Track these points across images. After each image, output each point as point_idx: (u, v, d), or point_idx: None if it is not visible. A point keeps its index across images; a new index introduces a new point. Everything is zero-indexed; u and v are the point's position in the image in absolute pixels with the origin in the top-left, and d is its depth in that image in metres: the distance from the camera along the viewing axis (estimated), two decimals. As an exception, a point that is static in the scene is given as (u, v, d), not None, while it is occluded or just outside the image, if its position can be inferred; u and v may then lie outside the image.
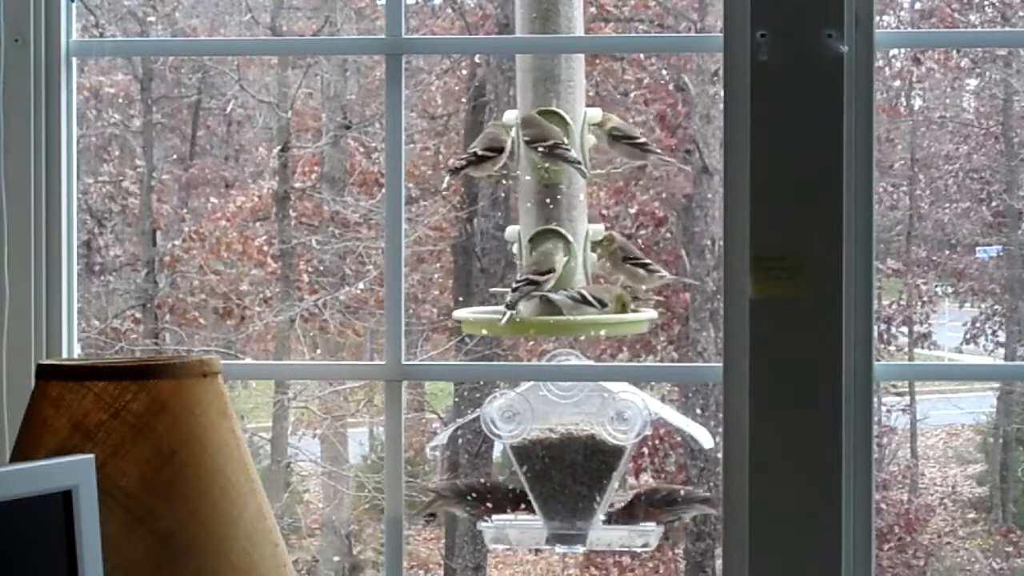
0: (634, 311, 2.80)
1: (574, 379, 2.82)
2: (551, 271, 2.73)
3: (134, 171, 9.38)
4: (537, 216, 2.79)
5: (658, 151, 3.05)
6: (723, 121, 2.32)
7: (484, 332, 3.02)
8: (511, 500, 2.84)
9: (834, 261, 2.25)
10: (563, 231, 2.77)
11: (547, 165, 2.77)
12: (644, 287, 2.93)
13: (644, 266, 2.88)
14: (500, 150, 2.80)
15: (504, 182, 2.86)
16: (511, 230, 2.84)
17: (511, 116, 2.82)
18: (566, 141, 2.76)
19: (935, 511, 9.71)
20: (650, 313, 2.88)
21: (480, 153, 2.82)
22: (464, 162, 2.86)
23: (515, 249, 2.82)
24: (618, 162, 2.95)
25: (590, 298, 2.74)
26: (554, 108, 2.78)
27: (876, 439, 4.20)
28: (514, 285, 2.73)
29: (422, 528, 9.83)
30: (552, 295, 2.73)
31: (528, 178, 2.79)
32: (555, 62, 2.77)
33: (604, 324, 2.79)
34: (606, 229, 2.86)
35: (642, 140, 2.91)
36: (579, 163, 2.76)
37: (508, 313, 2.72)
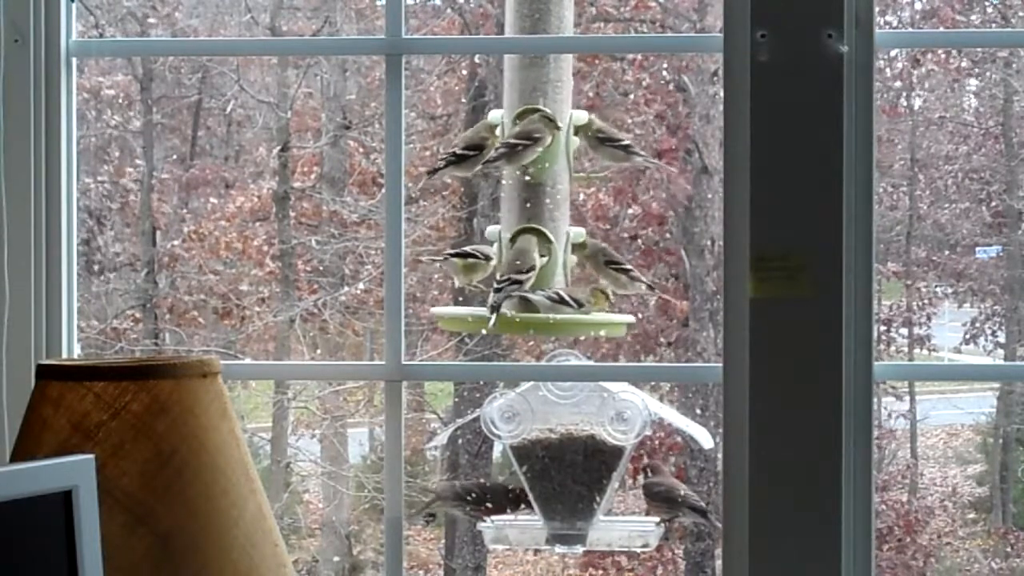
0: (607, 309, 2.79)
1: (574, 379, 2.82)
2: (532, 269, 2.72)
3: (134, 171, 9.38)
4: (519, 215, 2.79)
5: (642, 153, 3.04)
6: (723, 121, 2.32)
7: (462, 330, 3.03)
8: (511, 500, 2.84)
9: (834, 261, 2.25)
10: (544, 229, 2.77)
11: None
12: (622, 292, 2.93)
13: (626, 272, 2.87)
14: (481, 148, 2.79)
15: (504, 182, 2.85)
16: (491, 229, 2.84)
17: (496, 115, 2.82)
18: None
19: (935, 512, 9.71)
20: (626, 317, 2.88)
21: (459, 152, 2.81)
22: (444, 162, 2.86)
23: (495, 248, 2.81)
24: (598, 166, 2.95)
25: (567, 298, 2.73)
26: (541, 107, 2.78)
27: (876, 440, 4.20)
28: (496, 285, 2.72)
29: (422, 528, 9.83)
30: (530, 295, 2.73)
31: (512, 176, 2.79)
32: (544, 62, 2.77)
33: (580, 324, 2.79)
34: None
35: (625, 142, 2.90)
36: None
37: (493, 316, 2.71)
